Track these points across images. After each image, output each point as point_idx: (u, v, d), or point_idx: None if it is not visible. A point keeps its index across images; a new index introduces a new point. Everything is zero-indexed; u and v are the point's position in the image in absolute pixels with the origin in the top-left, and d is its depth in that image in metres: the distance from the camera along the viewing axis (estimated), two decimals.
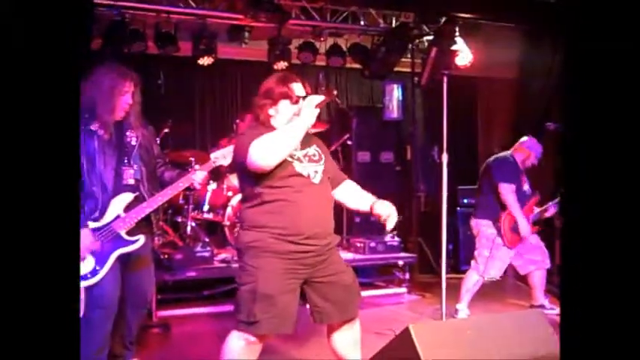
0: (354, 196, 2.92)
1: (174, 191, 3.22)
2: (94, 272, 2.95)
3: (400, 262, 5.86)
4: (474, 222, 4.78)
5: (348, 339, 2.83)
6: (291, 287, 2.60)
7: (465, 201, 6.85)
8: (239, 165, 2.67)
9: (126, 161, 3.11)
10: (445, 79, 4.01)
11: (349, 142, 6.53)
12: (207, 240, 5.35)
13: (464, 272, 5.09)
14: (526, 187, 4.78)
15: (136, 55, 5.42)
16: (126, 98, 3.09)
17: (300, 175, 2.64)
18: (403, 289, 5.81)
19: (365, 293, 4.45)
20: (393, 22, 6.29)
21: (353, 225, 6.45)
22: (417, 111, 7.16)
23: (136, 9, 5.42)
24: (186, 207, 5.32)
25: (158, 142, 3.89)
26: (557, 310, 4.60)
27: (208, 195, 5.43)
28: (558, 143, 4.89)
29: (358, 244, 5.79)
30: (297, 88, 2.74)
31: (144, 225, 3.14)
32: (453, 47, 5.81)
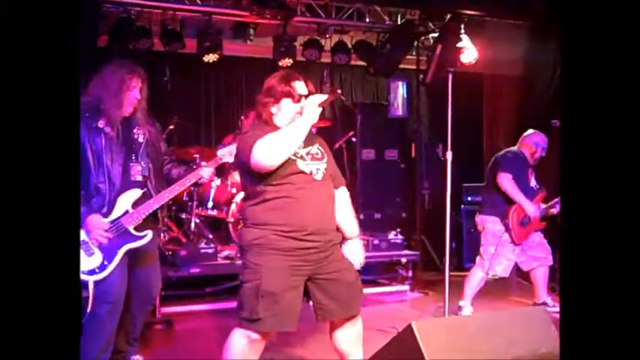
0: (342, 210, 2.89)
1: (182, 187, 3.26)
2: (102, 267, 2.98)
3: (403, 260, 5.87)
4: (479, 218, 4.77)
5: (350, 336, 2.84)
6: (295, 284, 2.61)
7: (469, 199, 6.85)
8: (242, 164, 2.68)
9: (133, 158, 3.13)
10: (450, 77, 4.01)
11: (354, 140, 6.53)
12: (211, 237, 5.37)
13: (467, 270, 5.09)
14: (533, 182, 4.77)
15: (142, 52, 5.44)
16: (134, 94, 3.11)
17: (302, 172, 2.64)
18: (406, 287, 5.82)
19: (368, 290, 4.47)
20: (399, 19, 6.28)
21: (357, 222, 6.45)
22: (422, 108, 7.15)
23: (142, 6, 5.44)
24: (190, 204, 5.33)
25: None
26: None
27: (212, 192, 5.44)
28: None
29: (362, 242, 5.78)
30: (300, 86, 2.74)
31: (151, 221, 3.17)
32: (459, 44, 5.80)
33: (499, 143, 6.55)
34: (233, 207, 5.33)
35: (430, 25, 6.29)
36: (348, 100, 7.17)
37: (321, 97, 2.66)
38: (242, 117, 5.53)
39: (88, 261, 2.95)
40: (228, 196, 5.43)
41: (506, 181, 4.54)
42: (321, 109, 2.66)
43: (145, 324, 3.65)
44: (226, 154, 3.29)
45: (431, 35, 6.43)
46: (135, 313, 3.28)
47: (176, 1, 5.54)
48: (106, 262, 2.99)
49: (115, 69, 3.12)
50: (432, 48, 6.17)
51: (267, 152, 2.53)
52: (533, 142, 4.78)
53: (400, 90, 6.68)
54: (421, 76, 6.37)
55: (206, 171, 3.32)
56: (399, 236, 5.87)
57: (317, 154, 2.75)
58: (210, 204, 5.45)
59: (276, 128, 2.68)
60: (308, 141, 2.71)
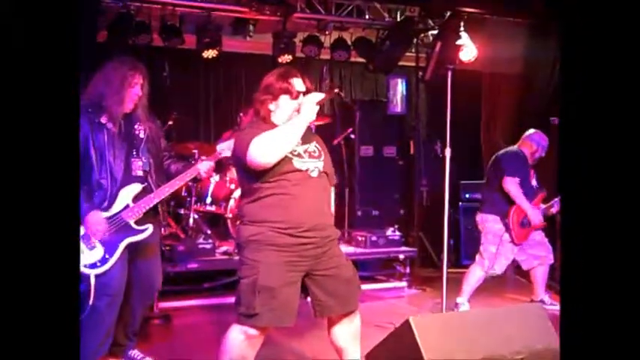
0: None
1: (182, 182, 3.32)
2: (103, 260, 3.01)
3: (401, 256, 5.87)
4: (479, 217, 4.77)
5: (348, 332, 2.85)
6: (292, 280, 2.62)
7: (467, 196, 6.85)
8: (239, 161, 2.69)
9: (135, 153, 3.17)
10: (449, 74, 4.01)
11: (352, 136, 6.53)
12: (209, 232, 5.38)
13: (465, 267, 5.10)
14: (534, 182, 4.77)
15: (141, 48, 5.43)
16: (135, 90, 3.14)
17: (298, 170, 2.65)
18: (404, 283, 5.83)
19: (366, 287, 4.49)
20: (398, 16, 6.27)
21: (354, 219, 6.48)
22: (421, 106, 7.17)
23: (142, 1, 5.42)
24: (188, 199, 5.34)
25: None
26: (558, 306, 4.61)
27: (211, 187, 5.44)
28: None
29: (359, 238, 5.81)
30: (298, 83, 2.74)
31: (151, 215, 3.21)
32: (458, 42, 5.80)
33: (497, 141, 6.55)
34: (231, 203, 5.34)
35: (430, 22, 6.28)
36: (347, 97, 7.17)
37: (319, 96, 2.66)
38: (241, 114, 5.53)
39: (90, 254, 2.99)
40: (227, 192, 5.44)
41: (512, 186, 4.54)
42: (318, 107, 2.67)
43: (143, 319, 3.67)
44: (225, 148, 3.31)
45: (430, 32, 6.42)
46: (135, 306, 3.31)
47: None
48: (107, 256, 3.02)
49: (117, 66, 3.15)
50: (431, 45, 6.16)
51: (263, 150, 2.54)
52: (534, 141, 4.77)
53: (399, 87, 6.69)
54: (420, 73, 6.37)
55: (205, 165, 3.35)
56: (397, 233, 5.87)
57: (314, 151, 2.76)
58: (208, 200, 5.45)
59: (273, 126, 2.69)
60: (306, 138, 2.72)
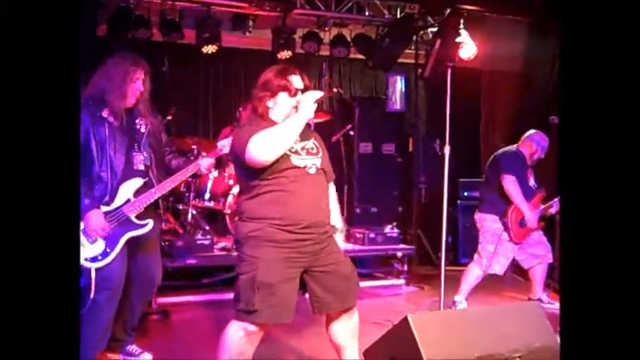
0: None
1: (183, 177, 3.33)
2: (104, 254, 3.03)
3: (399, 254, 5.87)
4: (478, 216, 4.77)
5: (346, 329, 2.85)
6: (291, 276, 2.61)
7: (466, 194, 6.86)
8: (237, 158, 2.69)
9: (136, 147, 3.19)
10: (449, 72, 4.01)
11: (351, 133, 6.54)
12: (207, 228, 5.38)
13: (462, 265, 5.11)
14: (532, 182, 4.77)
15: (141, 42, 5.42)
16: (137, 85, 3.16)
17: (296, 167, 2.65)
18: (401, 281, 5.83)
19: (364, 284, 4.48)
20: (398, 13, 6.27)
21: (353, 216, 6.48)
22: (420, 103, 7.17)
23: None
24: (187, 195, 5.34)
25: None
26: (556, 305, 4.62)
27: (210, 183, 5.44)
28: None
29: (358, 235, 5.81)
30: (296, 80, 2.74)
31: (152, 210, 3.23)
32: (458, 39, 5.80)
33: (496, 139, 6.56)
34: (230, 199, 5.34)
35: (429, 19, 6.29)
36: (346, 94, 7.17)
37: (317, 94, 2.66)
38: (240, 108, 5.53)
39: (91, 248, 3.00)
40: (226, 188, 5.44)
41: (510, 184, 4.54)
42: (316, 105, 2.66)
43: (142, 314, 3.66)
44: (226, 144, 3.33)
45: (430, 30, 6.43)
46: (134, 301, 3.33)
47: None
48: (108, 250, 3.04)
49: (119, 61, 3.16)
50: (430, 42, 6.17)
51: (262, 148, 2.54)
52: (534, 142, 4.76)
53: (398, 84, 6.69)
54: (420, 70, 6.37)
55: (206, 161, 3.37)
56: (395, 230, 5.87)
57: (312, 148, 2.76)
58: (207, 195, 5.45)
59: (272, 123, 2.68)
60: (304, 135, 2.71)
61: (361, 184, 6.57)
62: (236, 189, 5.30)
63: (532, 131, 4.85)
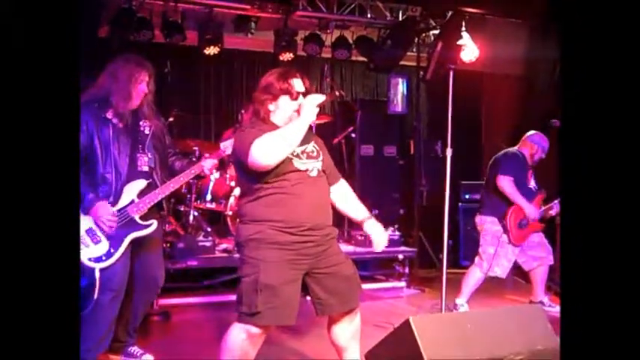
0: (347, 199, 2.94)
1: (186, 178, 3.36)
2: (108, 254, 3.04)
3: (400, 256, 5.87)
4: (479, 219, 4.77)
5: (348, 331, 2.85)
6: (293, 278, 2.62)
7: (467, 196, 6.86)
8: (239, 162, 2.69)
9: (140, 149, 3.21)
10: (451, 74, 4.00)
11: (353, 135, 6.53)
12: (209, 229, 5.37)
13: (464, 268, 5.10)
14: (532, 183, 4.77)
15: (143, 44, 5.42)
16: (142, 87, 3.18)
17: (298, 170, 2.66)
18: (402, 283, 5.84)
19: (364, 286, 4.45)
20: (400, 15, 6.27)
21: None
22: (422, 105, 7.16)
23: None
24: (188, 196, 5.33)
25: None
26: (557, 308, 4.61)
27: (211, 185, 5.44)
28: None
29: (359, 237, 5.80)
30: (298, 84, 2.74)
31: (155, 211, 3.24)
32: (459, 42, 5.80)
33: (497, 142, 6.55)
34: (231, 200, 5.34)
35: (431, 22, 6.29)
36: (348, 96, 7.18)
37: (320, 98, 2.66)
38: (242, 111, 5.52)
39: (95, 248, 3.01)
40: (227, 190, 5.44)
41: (506, 184, 4.54)
42: (318, 109, 2.67)
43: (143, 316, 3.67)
44: (229, 146, 3.35)
45: (432, 32, 6.42)
46: (137, 302, 3.34)
47: None
48: (112, 250, 3.05)
49: (124, 63, 3.19)
50: (432, 45, 6.17)
51: (265, 151, 2.54)
52: (534, 142, 4.77)
53: (400, 86, 6.68)
54: (421, 72, 6.37)
55: (209, 162, 3.38)
56: (397, 232, 5.87)
57: (312, 152, 2.77)
58: (208, 197, 5.45)
59: (273, 126, 2.69)
60: (304, 139, 2.71)
61: (362, 187, 6.54)
62: (237, 191, 5.30)
63: (532, 132, 4.86)
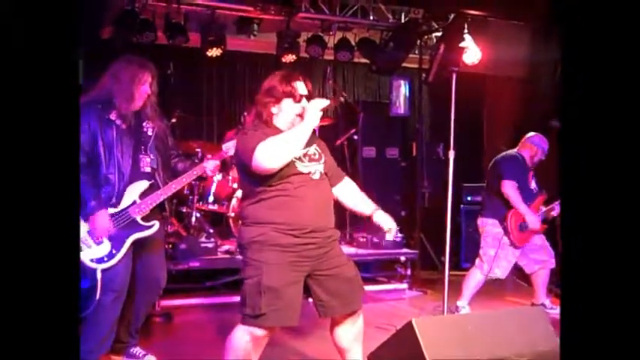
0: (354, 196, 2.97)
1: (188, 179, 3.36)
2: (110, 255, 3.05)
3: (402, 258, 5.87)
4: (480, 221, 4.77)
5: (351, 333, 2.85)
6: (296, 280, 2.62)
7: (469, 198, 6.86)
8: (242, 165, 2.69)
9: (143, 150, 3.22)
10: (454, 76, 4.01)
11: (355, 137, 6.54)
12: (211, 231, 5.38)
13: (465, 270, 5.10)
14: (533, 185, 4.77)
15: (145, 45, 5.43)
16: (144, 88, 3.19)
17: (300, 173, 2.67)
18: (404, 285, 5.83)
19: (367, 288, 4.45)
20: (402, 17, 6.28)
21: (356, 219, 6.46)
22: (424, 107, 7.16)
23: None
24: (191, 198, 5.34)
25: None
26: (558, 310, 4.60)
27: (213, 186, 5.45)
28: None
29: (361, 239, 5.81)
30: (300, 86, 2.75)
31: (158, 212, 3.25)
32: (462, 44, 5.81)
33: (499, 144, 6.55)
34: (234, 202, 5.35)
35: (434, 24, 6.29)
36: (350, 98, 7.18)
37: (324, 102, 2.66)
38: (245, 112, 5.53)
39: (97, 249, 3.02)
40: (229, 191, 5.45)
41: (510, 190, 4.54)
42: (322, 112, 2.67)
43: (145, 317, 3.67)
44: (231, 147, 3.35)
45: (434, 34, 6.43)
46: (139, 303, 3.34)
47: None
48: (114, 251, 3.06)
49: (127, 64, 3.19)
50: (435, 47, 6.17)
51: (269, 155, 2.55)
52: (534, 144, 4.77)
53: (402, 89, 6.69)
54: (424, 75, 6.37)
55: (211, 163, 3.39)
56: (399, 234, 5.87)
57: (314, 154, 2.77)
58: (211, 198, 5.46)
59: (276, 129, 2.70)
60: (307, 142, 2.71)
61: (364, 188, 6.47)
62: (240, 192, 5.31)
63: (531, 134, 4.86)
